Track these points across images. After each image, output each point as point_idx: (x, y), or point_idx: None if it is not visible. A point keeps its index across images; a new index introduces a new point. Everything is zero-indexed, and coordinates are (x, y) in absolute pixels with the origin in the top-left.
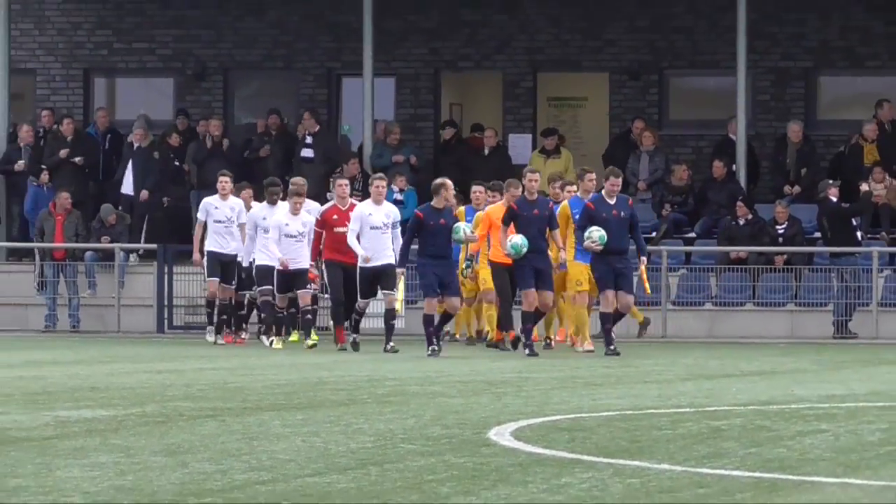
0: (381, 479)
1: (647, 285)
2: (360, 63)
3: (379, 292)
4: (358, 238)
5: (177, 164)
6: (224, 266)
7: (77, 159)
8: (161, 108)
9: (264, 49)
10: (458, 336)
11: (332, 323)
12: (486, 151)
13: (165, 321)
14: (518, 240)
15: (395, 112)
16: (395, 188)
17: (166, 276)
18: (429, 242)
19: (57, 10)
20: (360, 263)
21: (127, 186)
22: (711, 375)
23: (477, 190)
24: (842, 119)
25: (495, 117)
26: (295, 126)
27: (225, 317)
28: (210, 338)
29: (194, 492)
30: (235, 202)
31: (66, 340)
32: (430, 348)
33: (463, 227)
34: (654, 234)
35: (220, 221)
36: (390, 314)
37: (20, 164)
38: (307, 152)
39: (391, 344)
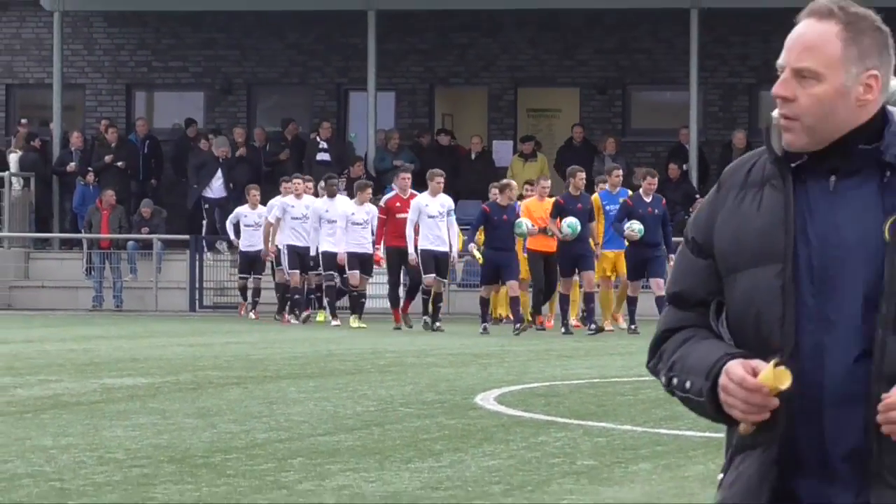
0: (382, 437)
1: None
2: (364, 79)
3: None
4: (417, 227)
5: None
6: (301, 257)
7: (119, 164)
8: (193, 119)
9: (282, 67)
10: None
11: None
12: (473, 156)
13: (197, 301)
14: (573, 220)
15: (395, 122)
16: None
17: (198, 263)
18: (492, 235)
19: (103, 33)
20: (410, 251)
21: (217, 191)
22: None
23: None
24: None
25: (481, 126)
26: (306, 134)
27: (297, 297)
28: (293, 320)
29: (222, 449)
30: (308, 200)
31: (110, 318)
32: (482, 326)
33: (524, 222)
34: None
35: (296, 218)
36: (438, 297)
37: (71, 166)
38: (323, 156)
39: (437, 323)
